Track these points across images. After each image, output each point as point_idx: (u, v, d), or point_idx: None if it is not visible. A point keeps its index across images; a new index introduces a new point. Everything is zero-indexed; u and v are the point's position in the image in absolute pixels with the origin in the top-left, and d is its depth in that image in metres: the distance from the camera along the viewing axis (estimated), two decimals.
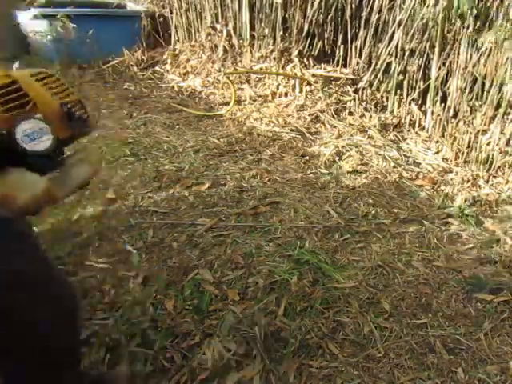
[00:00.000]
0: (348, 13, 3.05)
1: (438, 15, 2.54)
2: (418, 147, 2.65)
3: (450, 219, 1.87)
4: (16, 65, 1.36)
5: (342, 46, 3.20)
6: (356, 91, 3.13)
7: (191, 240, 1.64)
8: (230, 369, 1.12)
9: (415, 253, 1.62)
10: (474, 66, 2.58)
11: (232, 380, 1.09)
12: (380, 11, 2.90)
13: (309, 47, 3.34)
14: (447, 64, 2.69)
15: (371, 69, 3.01)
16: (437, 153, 2.61)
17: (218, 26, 3.60)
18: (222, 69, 3.46)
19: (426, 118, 2.81)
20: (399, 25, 2.74)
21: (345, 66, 3.26)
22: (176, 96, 3.35)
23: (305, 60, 3.32)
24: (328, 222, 1.79)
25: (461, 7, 2.25)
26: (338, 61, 3.25)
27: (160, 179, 2.08)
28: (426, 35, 2.68)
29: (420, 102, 2.91)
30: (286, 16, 3.31)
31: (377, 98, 3.07)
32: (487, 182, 2.28)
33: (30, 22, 3.75)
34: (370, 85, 3.07)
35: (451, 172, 2.37)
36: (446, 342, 1.24)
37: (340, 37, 3.21)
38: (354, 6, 3.05)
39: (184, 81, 3.58)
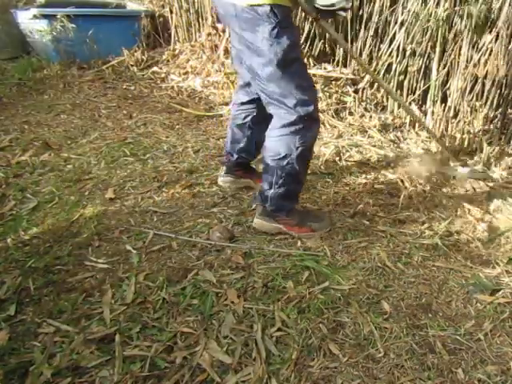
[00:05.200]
0: (349, 13, 3.05)
1: (440, 16, 2.54)
2: (419, 147, 2.65)
3: (450, 219, 1.87)
4: None
5: None
6: (356, 91, 3.13)
7: (191, 240, 1.64)
8: (229, 370, 1.12)
9: (415, 253, 1.62)
10: (474, 67, 2.58)
11: (231, 381, 1.09)
12: (381, 12, 2.90)
13: (309, 47, 3.34)
14: (448, 64, 2.69)
15: (372, 69, 3.01)
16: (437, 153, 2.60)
17: (220, 26, 3.60)
18: (222, 69, 3.46)
19: (426, 118, 2.81)
20: (401, 26, 2.74)
21: (345, 66, 3.26)
22: (176, 96, 3.35)
23: (305, 60, 3.32)
24: None
25: None
26: (339, 61, 3.25)
27: (160, 179, 2.08)
28: (427, 36, 2.68)
29: (420, 102, 2.92)
30: None
31: (377, 98, 3.07)
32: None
33: (29, 21, 3.75)
34: (371, 85, 3.07)
35: (452, 172, 2.36)
36: (446, 342, 1.24)
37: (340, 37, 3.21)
38: (354, 7, 3.05)
39: (184, 81, 3.58)
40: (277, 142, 1.56)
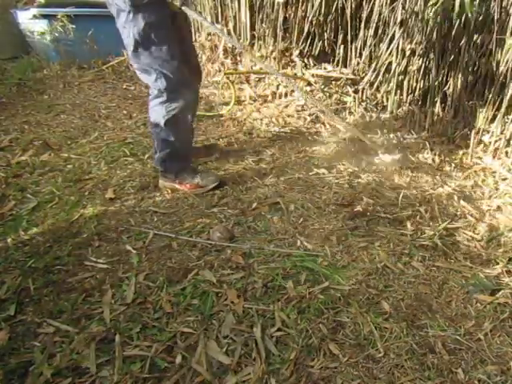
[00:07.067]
0: (348, 13, 3.05)
1: (439, 15, 2.54)
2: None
3: (450, 219, 1.87)
4: None
5: (342, 46, 3.20)
6: (356, 91, 3.13)
7: (191, 240, 1.64)
8: (228, 370, 1.12)
9: (415, 253, 1.62)
10: (474, 66, 2.58)
11: (231, 381, 1.09)
12: (380, 12, 2.90)
13: (309, 47, 3.34)
14: (447, 64, 2.69)
15: (372, 69, 3.01)
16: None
17: (219, 26, 3.60)
18: (222, 69, 3.46)
19: (426, 118, 2.81)
20: (400, 25, 2.74)
21: (345, 66, 3.26)
22: None
23: (305, 60, 3.32)
24: (328, 222, 1.79)
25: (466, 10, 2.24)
26: (339, 61, 3.25)
27: None
28: (427, 35, 2.68)
29: (420, 102, 2.92)
30: (286, 16, 3.31)
31: (377, 98, 3.07)
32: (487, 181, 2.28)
33: (29, 21, 3.75)
34: (371, 85, 3.07)
35: (451, 172, 2.36)
36: (446, 342, 1.24)
37: (340, 37, 3.21)
38: (354, 6, 3.05)
39: None
40: (151, 113, 1.86)
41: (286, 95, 3.16)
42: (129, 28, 1.65)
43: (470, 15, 2.28)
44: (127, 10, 1.62)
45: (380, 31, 2.97)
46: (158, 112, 1.82)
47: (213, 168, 2.24)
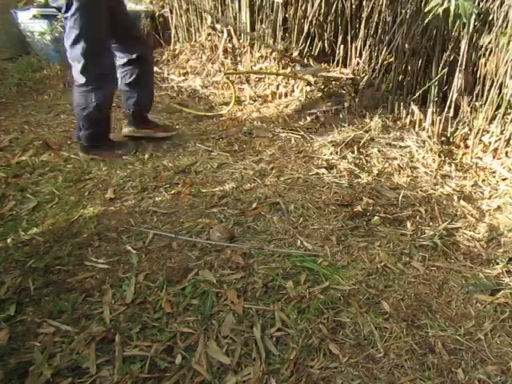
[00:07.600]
0: (348, 13, 3.06)
1: (438, 16, 2.54)
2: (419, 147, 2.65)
3: (450, 219, 1.87)
4: None
5: (342, 46, 3.20)
6: (356, 91, 3.13)
7: (191, 240, 1.64)
8: (228, 370, 1.12)
9: (415, 253, 1.62)
10: (474, 66, 2.58)
11: (231, 381, 1.09)
12: (380, 12, 2.90)
13: (309, 47, 3.34)
14: (447, 64, 2.69)
15: (371, 69, 3.01)
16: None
17: (219, 26, 3.61)
18: (222, 69, 3.46)
19: (426, 118, 2.81)
20: (400, 25, 2.74)
21: (345, 66, 3.26)
22: (176, 96, 3.35)
23: (305, 60, 3.32)
24: (328, 222, 1.79)
25: (465, 13, 2.24)
26: (339, 61, 3.26)
27: (160, 179, 2.08)
28: (426, 35, 2.69)
29: (420, 102, 2.92)
30: (286, 16, 3.31)
31: (377, 98, 3.07)
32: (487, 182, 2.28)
33: (29, 21, 3.75)
34: (371, 85, 3.07)
35: (451, 172, 2.37)
36: (446, 342, 1.24)
37: (340, 37, 3.22)
38: (354, 7, 3.06)
39: (184, 81, 3.59)
40: (78, 96, 2.10)
41: (286, 95, 3.16)
42: (70, 19, 1.90)
43: (465, 21, 2.28)
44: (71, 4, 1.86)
45: (380, 31, 2.97)
46: (86, 97, 2.07)
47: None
